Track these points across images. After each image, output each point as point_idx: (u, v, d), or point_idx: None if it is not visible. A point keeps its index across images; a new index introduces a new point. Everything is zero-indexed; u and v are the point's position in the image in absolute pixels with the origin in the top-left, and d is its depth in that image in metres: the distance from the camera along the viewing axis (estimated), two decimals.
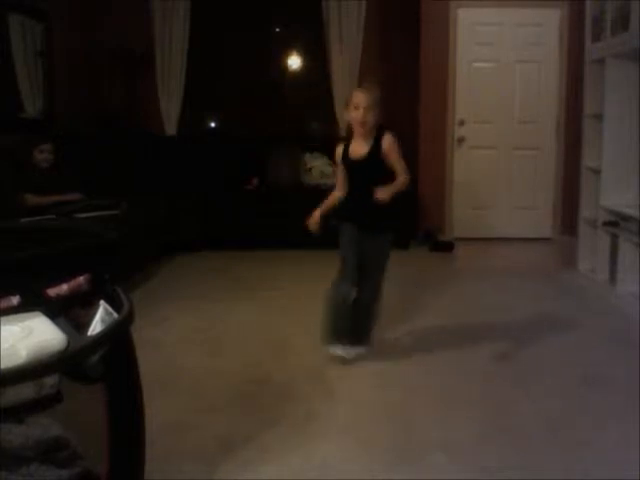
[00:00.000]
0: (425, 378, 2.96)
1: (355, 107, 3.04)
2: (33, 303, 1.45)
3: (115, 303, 1.59)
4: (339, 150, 3.18)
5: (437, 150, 6.09)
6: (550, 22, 5.96)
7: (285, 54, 6.86)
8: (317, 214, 3.26)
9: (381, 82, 6.42)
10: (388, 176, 3.06)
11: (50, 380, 1.50)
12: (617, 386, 2.84)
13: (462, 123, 6.12)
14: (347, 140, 3.19)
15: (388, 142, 3.07)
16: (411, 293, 4.34)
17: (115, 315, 1.55)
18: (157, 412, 2.07)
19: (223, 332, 3.61)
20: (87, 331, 1.50)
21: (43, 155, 4.68)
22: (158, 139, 6.43)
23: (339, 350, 3.15)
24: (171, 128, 6.54)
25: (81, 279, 1.54)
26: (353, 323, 3.15)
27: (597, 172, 4.54)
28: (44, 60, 5.81)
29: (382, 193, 3.00)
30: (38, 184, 4.55)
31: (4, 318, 1.38)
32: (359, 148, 3.10)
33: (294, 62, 6.88)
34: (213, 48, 6.64)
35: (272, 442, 2.35)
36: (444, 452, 2.27)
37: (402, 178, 3.08)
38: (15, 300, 1.42)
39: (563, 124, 6.01)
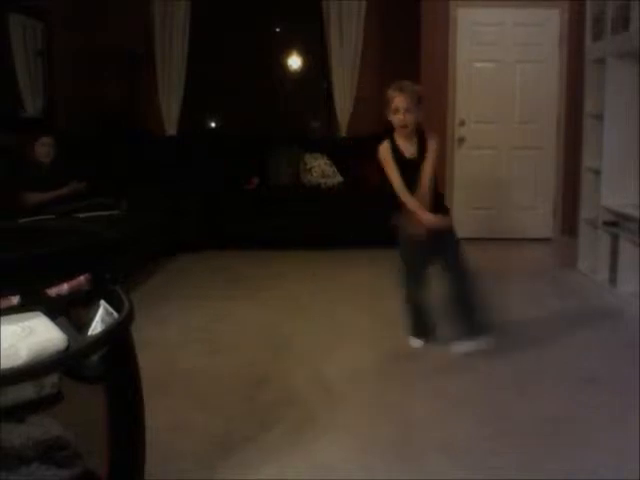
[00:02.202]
0: (425, 378, 2.96)
1: (395, 111, 3.07)
2: (33, 303, 1.45)
3: (115, 303, 1.59)
4: (387, 148, 3.17)
5: (437, 150, 6.07)
6: (550, 22, 5.96)
7: (285, 54, 6.86)
8: (429, 215, 3.12)
9: (381, 82, 6.46)
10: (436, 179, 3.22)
11: (50, 380, 1.50)
12: (617, 386, 2.84)
13: (462, 123, 6.12)
14: (391, 139, 3.19)
15: (434, 147, 3.16)
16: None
17: (115, 315, 1.55)
18: (157, 412, 2.07)
19: (223, 332, 3.61)
20: (87, 331, 1.50)
21: (44, 149, 4.67)
22: (158, 139, 6.43)
23: (417, 343, 3.34)
24: (171, 128, 6.54)
25: (81, 279, 1.54)
26: (461, 320, 3.21)
27: (597, 172, 4.54)
28: (44, 60, 5.81)
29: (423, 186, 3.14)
30: (40, 179, 4.55)
31: (4, 318, 1.38)
32: (408, 147, 3.16)
33: (294, 62, 6.88)
34: (213, 48, 6.64)
35: (272, 442, 2.35)
36: (444, 453, 2.27)
37: (425, 179, 3.14)
38: (15, 300, 1.42)
39: (563, 124, 6.00)
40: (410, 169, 3.14)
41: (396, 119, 3.09)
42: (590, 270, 4.66)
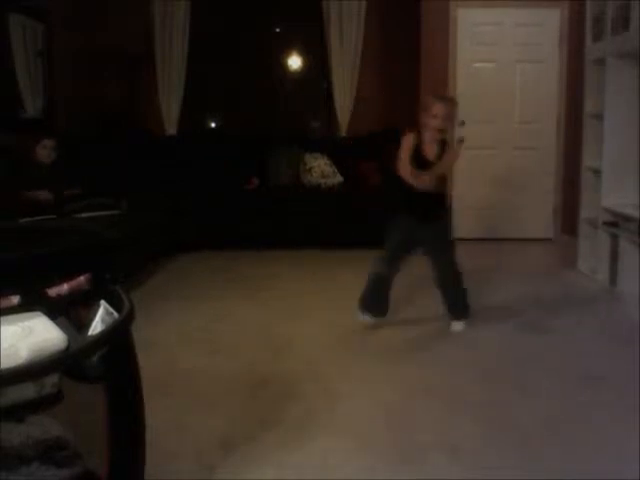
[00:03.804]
0: (425, 379, 2.96)
1: (434, 116, 3.36)
2: (33, 303, 1.44)
3: (115, 303, 1.59)
4: (410, 141, 3.42)
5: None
6: (550, 22, 5.96)
7: (285, 54, 6.86)
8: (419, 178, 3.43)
9: (381, 82, 6.47)
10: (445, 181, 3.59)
11: (51, 380, 1.50)
12: (617, 386, 2.84)
13: (462, 123, 6.11)
14: (418, 135, 3.43)
15: (454, 151, 3.50)
16: (410, 293, 4.34)
17: (115, 315, 1.55)
18: (157, 412, 2.07)
19: (223, 332, 3.61)
20: (87, 331, 1.50)
21: (45, 151, 4.68)
22: (158, 139, 6.43)
23: (366, 318, 3.59)
24: (171, 128, 6.54)
25: (81, 279, 1.54)
26: (449, 302, 3.61)
27: (597, 172, 4.54)
28: (44, 60, 5.81)
29: (426, 177, 3.42)
30: (40, 180, 4.55)
31: (4, 318, 1.38)
32: (431, 150, 3.44)
33: (294, 62, 6.88)
34: (213, 48, 6.64)
35: (272, 442, 2.35)
36: (445, 454, 2.27)
37: (429, 175, 3.41)
38: (15, 300, 1.42)
39: (563, 124, 6.01)
40: (426, 169, 3.42)
41: (433, 122, 3.37)
42: (590, 270, 4.66)
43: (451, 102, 3.46)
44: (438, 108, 3.36)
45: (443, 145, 3.45)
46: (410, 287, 4.25)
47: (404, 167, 3.42)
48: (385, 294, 3.62)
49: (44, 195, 4.53)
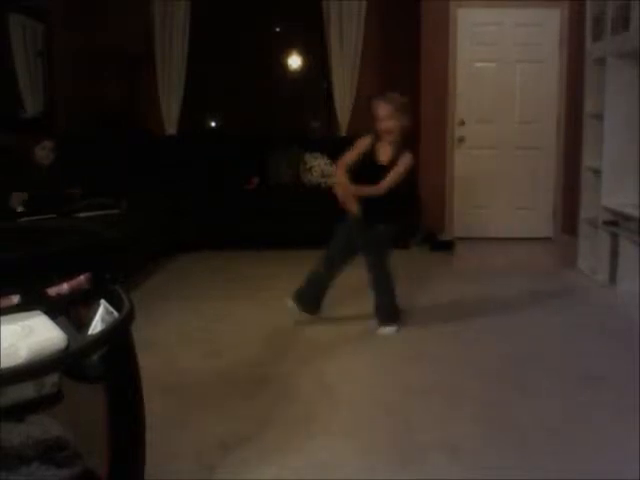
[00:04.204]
0: (425, 378, 2.96)
1: (377, 119, 3.33)
2: (33, 302, 1.44)
3: (115, 302, 1.59)
4: (366, 143, 3.41)
5: (437, 150, 6.09)
6: (550, 22, 5.96)
7: (285, 54, 6.86)
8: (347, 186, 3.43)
9: (381, 82, 6.47)
10: (398, 186, 3.41)
11: (51, 379, 1.50)
12: (617, 386, 2.84)
13: (462, 123, 6.12)
14: (375, 139, 3.42)
15: (407, 161, 3.40)
16: (411, 293, 4.34)
17: (115, 314, 1.55)
18: (157, 412, 2.07)
19: (223, 332, 3.61)
20: (87, 330, 1.50)
21: (44, 152, 4.67)
22: (158, 139, 6.43)
23: (296, 312, 3.60)
24: (171, 128, 6.54)
25: (82, 278, 1.54)
26: (376, 305, 3.56)
27: (597, 172, 4.54)
28: (44, 60, 5.81)
29: (382, 185, 3.37)
30: (38, 182, 4.55)
31: (4, 318, 1.37)
32: (385, 154, 3.39)
33: (294, 62, 6.88)
34: (213, 48, 6.64)
35: (272, 442, 2.35)
36: (444, 454, 2.27)
37: (384, 184, 3.37)
38: (15, 299, 1.42)
39: (563, 124, 6.01)
40: (377, 172, 3.39)
41: (378, 124, 3.34)
42: (590, 270, 4.66)
43: (395, 100, 3.38)
44: (380, 108, 3.33)
45: (399, 151, 3.39)
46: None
47: (339, 173, 3.45)
48: (320, 293, 3.63)
49: None
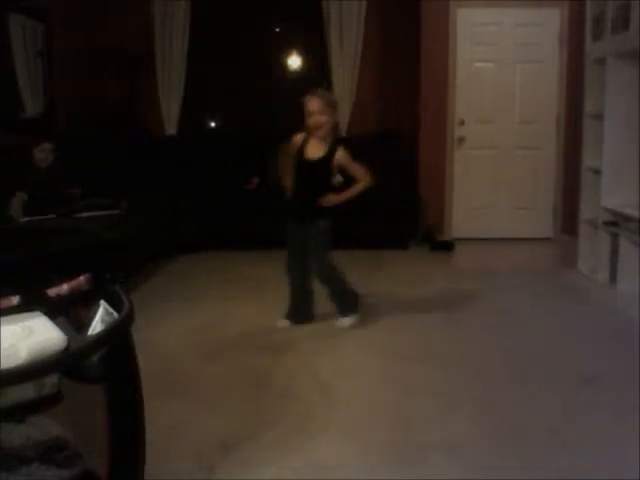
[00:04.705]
0: (425, 378, 2.96)
1: (309, 114, 3.36)
2: (33, 303, 1.44)
3: (115, 303, 1.59)
4: (297, 141, 3.46)
5: (437, 150, 6.09)
6: (550, 22, 5.96)
7: (285, 54, 6.85)
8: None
9: (381, 82, 6.47)
10: (328, 181, 3.51)
11: (50, 380, 1.50)
12: (617, 386, 2.84)
13: (462, 123, 6.11)
14: (306, 137, 3.46)
15: (341, 154, 3.44)
16: (411, 293, 4.34)
17: (115, 315, 1.55)
18: (157, 412, 2.07)
19: (223, 332, 3.61)
20: (87, 331, 1.50)
21: (43, 154, 4.68)
22: (158, 139, 6.43)
23: (284, 323, 3.63)
24: (171, 128, 6.54)
25: (81, 279, 1.54)
26: (332, 298, 3.61)
27: (597, 172, 4.54)
28: (44, 60, 5.81)
29: (329, 199, 3.46)
30: (37, 183, 4.55)
31: (4, 318, 1.37)
32: (315, 150, 3.43)
33: (294, 62, 6.88)
34: (213, 48, 6.64)
35: (272, 442, 2.35)
36: (444, 454, 2.27)
37: (361, 183, 3.48)
38: (15, 300, 1.42)
39: (563, 124, 6.00)
40: (306, 169, 3.47)
41: (309, 120, 3.38)
42: (590, 270, 4.66)
43: (325, 96, 3.44)
44: (311, 103, 3.36)
45: (333, 148, 3.42)
46: None
47: (282, 171, 3.55)
48: (306, 299, 3.65)
49: None
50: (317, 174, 3.48)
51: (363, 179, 3.51)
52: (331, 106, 3.42)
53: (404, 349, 3.35)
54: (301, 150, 3.45)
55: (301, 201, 3.52)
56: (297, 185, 3.52)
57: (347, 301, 3.65)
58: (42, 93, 5.81)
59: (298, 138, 3.48)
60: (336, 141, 3.46)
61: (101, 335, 1.48)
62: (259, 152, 6.18)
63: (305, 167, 3.46)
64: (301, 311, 3.67)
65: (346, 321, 3.61)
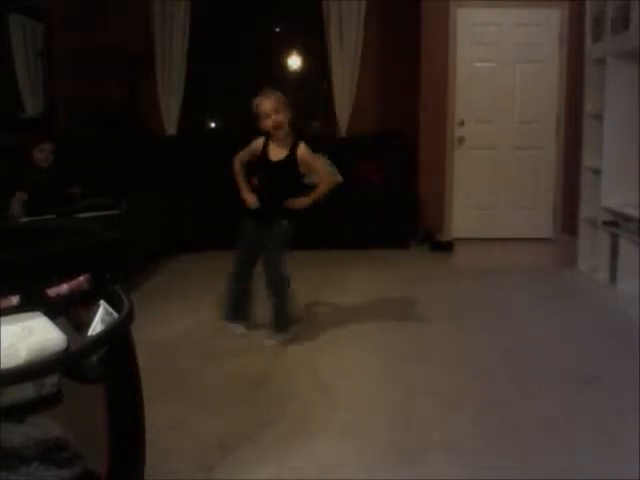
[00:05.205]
0: (425, 378, 2.96)
1: (266, 115, 3.28)
2: (33, 303, 1.44)
3: (115, 303, 1.59)
4: (259, 145, 3.39)
5: (437, 150, 6.09)
6: (550, 22, 5.96)
7: (285, 54, 6.85)
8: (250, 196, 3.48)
9: (381, 82, 6.47)
10: (297, 181, 3.42)
11: (50, 380, 1.50)
12: (617, 386, 2.84)
13: (462, 123, 6.12)
14: (266, 140, 3.39)
15: (302, 150, 3.35)
16: (411, 293, 4.34)
17: (115, 315, 1.55)
18: (157, 412, 2.07)
19: (223, 332, 3.61)
20: (87, 331, 1.50)
21: (43, 154, 4.67)
22: (158, 139, 6.43)
23: (238, 328, 3.49)
24: (171, 128, 6.54)
25: (81, 279, 1.54)
26: (274, 310, 3.44)
27: (597, 172, 4.54)
28: (44, 60, 5.81)
29: (297, 202, 3.37)
30: (37, 184, 4.55)
31: (4, 318, 1.37)
32: (277, 152, 3.36)
33: (294, 62, 6.88)
34: (213, 48, 6.64)
35: (271, 442, 2.35)
36: (444, 454, 2.27)
37: (324, 184, 3.41)
38: (15, 300, 1.42)
39: (563, 124, 6.00)
40: (272, 171, 3.39)
41: (268, 122, 3.30)
42: (590, 270, 4.66)
43: (277, 94, 3.38)
44: (266, 104, 3.30)
45: (294, 146, 3.35)
46: None
47: (235, 166, 3.52)
48: (242, 298, 3.55)
49: None
50: (283, 175, 3.40)
51: (324, 180, 3.45)
52: (285, 104, 3.35)
53: (404, 349, 3.35)
54: (264, 153, 3.38)
55: (266, 201, 3.42)
56: (262, 188, 3.45)
57: (283, 317, 3.44)
58: (42, 93, 5.81)
59: (259, 142, 3.40)
60: (296, 138, 3.38)
61: (101, 335, 1.48)
62: None
63: (270, 169, 3.39)
64: (239, 311, 3.55)
65: (276, 339, 3.38)
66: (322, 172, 3.50)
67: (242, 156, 3.52)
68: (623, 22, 4.13)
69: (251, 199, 3.44)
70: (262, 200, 3.43)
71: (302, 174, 3.44)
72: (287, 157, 3.35)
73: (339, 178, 3.43)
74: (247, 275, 3.52)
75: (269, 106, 3.29)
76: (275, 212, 3.42)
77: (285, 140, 3.36)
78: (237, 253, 3.56)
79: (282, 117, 3.30)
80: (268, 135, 3.38)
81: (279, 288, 3.44)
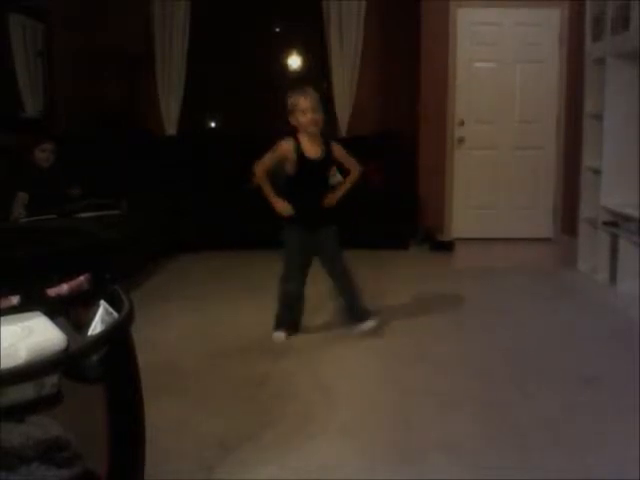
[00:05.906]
0: (425, 378, 2.96)
1: (303, 112, 3.26)
2: (33, 303, 1.44)
3: (115, 303, 1.59)
4: (289, 146, 3.31)
5: (437, 150, 6.09)
6: (550, 22, 5.96)
7: (285, 54, 6.85)
8: (281, 204, 3.40)
9: (381, 82, 6.47)
10: (327, 181, 3.46)
11: (50, 380, 1.50)
12: (617, 386, 2.84)
13: (462, 123, 6.12)
14: (295, 139, 3.33)
15: (338, 147, 3.40)
16: (411, 293, 4.34)
17: (115, 315, 1.55)
18: (157, 412, 2.07)
19: (223, 332, 3.61)
20: (87, 331, 1.50)
21: (44, 154, 4.68)
22: (158, 139, 6.43)
23: (282, 336, 3.45)
24: (171, 128, 6.54)
25: (81, 279, 1.54)
26: (347, 307, 3.51)
27: (597, 172, 4.54)
28: (44, 60, 5.81)
29: (331, 198, 3.40)
30: (38, 183, 4.55)
31: (4, 318, 1.38)
32: (314, 150, 3.32)
33: (294, 62, 6.88)
34: (213, 48, 6.64)
35: (271, 442, 2.35)
36: (444, 454, 2.27)
37: (354, 174, 3.46)
38: (15, 300, 1.42)
39: (563, 124, 6.00)
40: (313, 170, 3.34)
41: (306, 119, 3.27)
42: (590, 270, 4.66)
43: (312, 92, 3.36)
44: (306, 101, 3.27)
45: (327, 144, 3.34)
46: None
47: (260, 175, 3.37)
48: (297, 309, 3.54)
49: None
50: (323, 172, 3.38)
51: (356, 170, 3.47)
52: (319, 102, 3.35)
53: (404, 349, 3.35)
54: (301, 152, 3.29)
55: (310, 206, 3.38)
56: (302, 189, 3.37)
57: (361, 308, 3.50)
58: (42, 93, 5.81)
59: (288, 143, 3.31)
60: (326, 138, 3.38)
61: (101, 335, 1.48)
62: (259, 152, 6.17)
63: (310, 168, 3.31)
64: (292, 322, 3.54)
65: (366, 325, 3.46)
66: (353, 165, 3.48)
67: (267, 161, 3.38)
68: (623, 22, 4.13)
69: (281, 205, 3.37)
70: (304, 202, 3.37)
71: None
72: (325, 155, 3.34)
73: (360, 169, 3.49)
74: (301, 281, 3.48)
75: (308, 103, 3.27)
76: (322, 215, 3.42)
77: (318, 138, 3.34)
78: (287, 261, 3.48)
79: (319, 116, 3.30)
80: (295, 135, 3.33)
81: (350, 286, 3.47)
